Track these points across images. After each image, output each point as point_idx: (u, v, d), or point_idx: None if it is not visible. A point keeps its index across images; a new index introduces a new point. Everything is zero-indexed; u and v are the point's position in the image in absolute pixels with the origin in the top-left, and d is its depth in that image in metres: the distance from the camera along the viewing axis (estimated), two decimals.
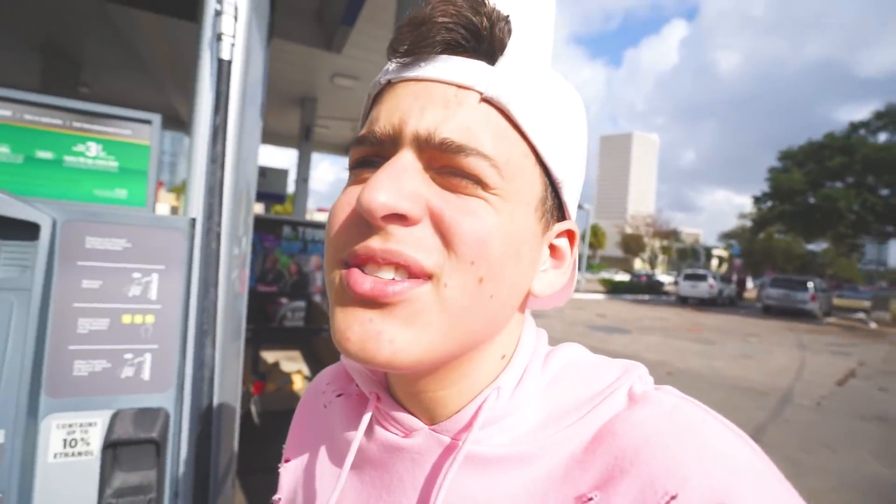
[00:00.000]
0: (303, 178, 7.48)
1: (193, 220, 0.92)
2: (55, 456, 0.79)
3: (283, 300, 4.16)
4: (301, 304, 4.20)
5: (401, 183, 0.30)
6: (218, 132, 0.91)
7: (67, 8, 3.84)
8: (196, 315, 0.88)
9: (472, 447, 0.34)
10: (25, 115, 1.03)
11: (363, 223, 0.31)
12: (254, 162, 1.26)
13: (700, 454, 0.28)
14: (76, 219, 0.83)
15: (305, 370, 3.56)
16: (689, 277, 21.15)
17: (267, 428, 2.85)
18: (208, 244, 0.88)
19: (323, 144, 8.14)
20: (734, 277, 24.86)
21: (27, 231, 0.79)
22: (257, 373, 3.17)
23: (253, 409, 2.76)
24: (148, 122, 1.10)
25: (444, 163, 0.31)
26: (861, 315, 19.78)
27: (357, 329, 0.30)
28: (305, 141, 6.83)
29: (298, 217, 7.34)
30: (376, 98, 0.36)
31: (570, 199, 0.37)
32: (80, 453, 0.80)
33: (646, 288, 26.71)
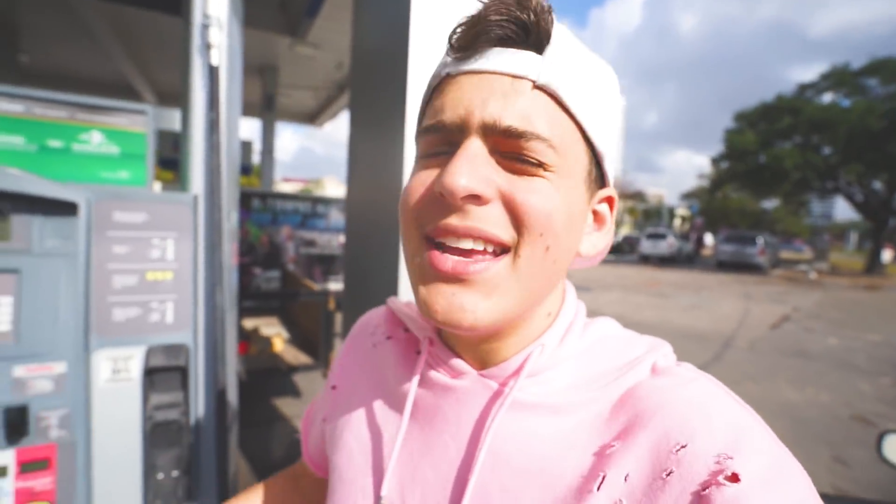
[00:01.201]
0: (268, 149, 7.42)
1: (196, 197, 1.13)
2: (106, 381, 1.03)
3: (257, 270, 4.32)
4: (275, 273, 4.38)
5: (476, 167, 0.34)
6: (214, 126, 1.11)
7: None
8: (204, 271, 1.11)
9: (515, 393, 0.39)
10: (35, 110, 1.20)
11: (440, 203, 0.36)
12: (236, 139, 1.45)
13: (708, 416, 0.33)
14: (104, 198, 1.04)
15: (284, 333, 3.80)
16: (650, 237, 22.10)
17: (253, 386, 3.10)
18: (212, 216, 1.10)
19: (286, 113, 8.03)
20: (693, 235, 26.15)
21: (64, 209, 1.00)
22: (241, 335, 3.39)
23: (240, 368, 3.00)
24: (143, 112, 1.28)
25: (508, 147, 0.35)
26: (804, 267, 21.33)
27: (442, 302, 0.35)
28: (268, 110, 6.76)
29: (266, 189, 7.34)
30: (436, 89, 0.39)
31: (610, 168, 0.42)
32: (125, 379, 1.04)
33: (611, 248, 27.69)
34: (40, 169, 1.20)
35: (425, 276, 0.36)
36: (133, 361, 1.05)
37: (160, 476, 1.05)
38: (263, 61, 5.69)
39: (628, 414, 0.36)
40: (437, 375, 0.43)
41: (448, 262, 0.35)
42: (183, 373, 1.08)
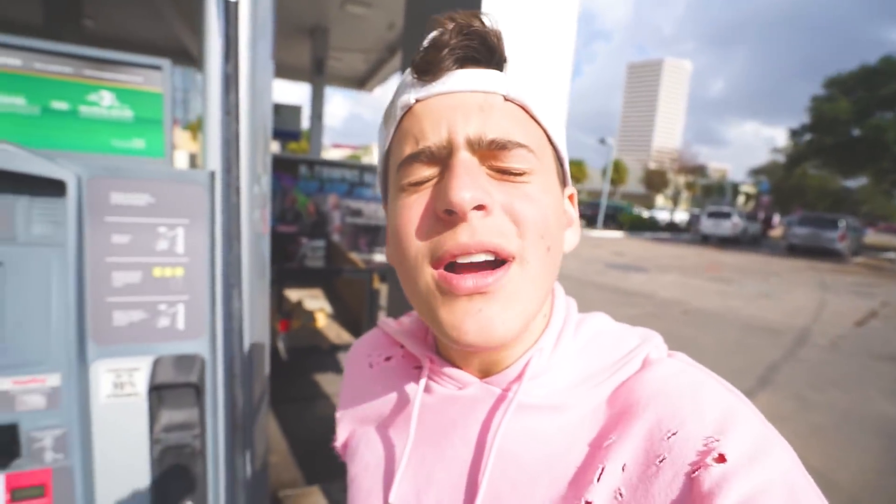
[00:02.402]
0: (317, 114, 7.30)
1: (213, 174, 0.91)
2: (107, 397, 0.86)
3: (304, 240, 4.23)
4: (321, 243, 4.28)
5: (475, 179, 0.35)
6: (230, 81, 0.88)
7: None
8: (222, 268, 0.90)
9: (519, 396, 0.40)
10: (35, 64, 1.01)
11: (444, 224, 0.36)
12: (268, 101, 1.22)
13: (697, 402, 0.35)
14: (99, 175, 0.84)
15: (328, 308, 3.70)
16: (712, 215, 20.63)
17: (294, 363, 3.03)
18: (228, 198, 0.88)
19: (336, 78, 7.84)
20: (760, 215, 24.13)
21: (54, 188, 0.81)
22: (282, 311, 3.31)
23: (280, 345, 2.91)
24: (158, 67, 1.07)
25: (494, 158, 0.37)
26: (892, 255, 19.21)
27: (471, 322, 0.36)
28: (318, 75, 6.58)
29: (314, 155, 7.26)
30: (405, 117, 0.40)
31: (567, 168, 0.45)
32: (129, 394, 0.87)
33: (666, 226, 26.29)
34: (44, 136, 1.02)
35: (445, 301, 0.36)
36: (138, 374, 0.87)
37: None
38: (313, 22, 5.44)
39: (623, 406, 0.38)
40: (444, 389, 0.45)
41: (468, 280, 0.35)
42: (197, 389, 0.90)
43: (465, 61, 0.38)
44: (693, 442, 0.33)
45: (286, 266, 3.76)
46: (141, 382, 0.87)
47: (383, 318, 0.58)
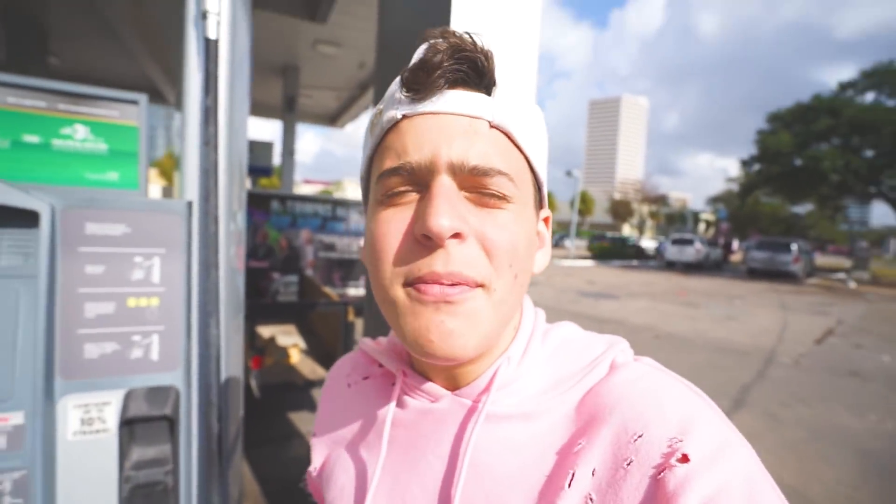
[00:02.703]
0: (289, 150, 7.32)
1: (190, 203, 0.92)
2: (74, 434, 0.82)
3: (276, 275, 4.16)
4: (293, 278, 4.21)
5: (454, 207, 0.36)
6: (209, 113, 0.90)
7: None
8: (199, 297, 0.90)
9: (488, 407, 0.41)
10: (8, 98, 1.01)
11: (422, 247, 0.37)
12: (244, 137, 1.25)
13: (661, 405, 0.36)
14: (74, 205, 0.83)
15: (301, 343, 3.61)
16: (676, 242, 21.46)
17: (267, 401, 2.92)
18: (206, 227, 0.89)
19: (307, 115, 7.93)
20: (720, 241, 25.27)
21: (26, 219, 0.80)
22: (255, 347, 3.22)
23: (253, 383, 2.81)
24: (135, 102, 1.08)
25: (474, 183, 0.38)
26: (842, 275, 20.33)
27: (435, 332, 0.37)
28: (289, 112, 6.65)
29: (286, 191, 7.24)
30: (390, 131, 0.40)
31: (545, 191, 0.46)
32: (97, 430, 0.83)
33: (634, 253, 27.13)
34: (14, 169, 1.01)
35: (413, 309, 0.38)
36: (109, 409, 0.84)
37: None
38: (285, 61, 5.56)
39: (591, 411, 0.38)
40: (415, 402, 0.45)
41: (435, 287, 0.36)
42: (171, 423, 0.87)
43: (455, 83, 0.38)
44: (658, 444, 0.34)
45: (260, 301, 3.67)
46: (111, 417, 0.84)
47: (363, 339, 0.58)
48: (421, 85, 0.38)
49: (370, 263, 0.41)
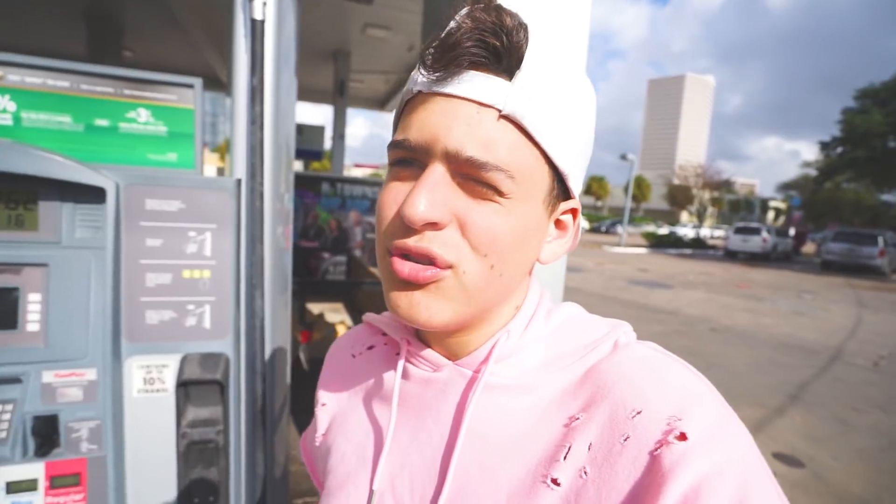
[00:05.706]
0: (339, 134, 7.50)
1: (239, 181, 0.97)
2: (138, 391, 0.91)
3: (325, 255, 4.33)
4: (342, 258, 4.36)
5: (435, 195, 0.36)
6: (255, 93, 0.94)
7: None
8: (245, 270, 0.95)
9: (488, 377, 0.42)
10: (82, 86, 1.10)
11: (403, 223, 0.38)
12: (291, 119, 1.29)
13: (661, 383, 0.37)
14: (135, 182, 0.90)
15: (348, 321, 3.75)
16: (739, 231, 20.06)
17: (315, 373, 3.07)
18: (253, 203, 0.93)
19: (357, 99, 8.07)
20: (791, 231, 23.34)
21: (96, 195, 0.87)
22: (304, 323, 3.38)
23: (302, 356, 2.97)
24: (190, 86, 1.14)
25: (468, 172, 0.37)
26: None
27: (404, 301, 0.39)
28: (340, 96, 6.79)
29: (336, 173, 7.45)
30: (408, 103, 0.41)
31: (576, 184, 0.43)
32: (158, 390, 0.92)
33: (691, 243, 25.67)
34: (88, 151, 1.10)
35: (390, 279, 0.40)
36: (167, 371, 0.92)
37: (196, 502, 0.92)
38: (336, 46, 5.66)
39: (591, 388, 0.39)
40: (419, 371, 0.46)
41: (406, 267, 0.38)
42: (221, 387, 0.94)
43: (471, 65, 0.36)
44: (657, 421, 0.34)
45: (309, 279, 3.84)
46: (169, 378, 0.92)
47: (368, 313, 0.59)
48: (437, 63, 0.37)
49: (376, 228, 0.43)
